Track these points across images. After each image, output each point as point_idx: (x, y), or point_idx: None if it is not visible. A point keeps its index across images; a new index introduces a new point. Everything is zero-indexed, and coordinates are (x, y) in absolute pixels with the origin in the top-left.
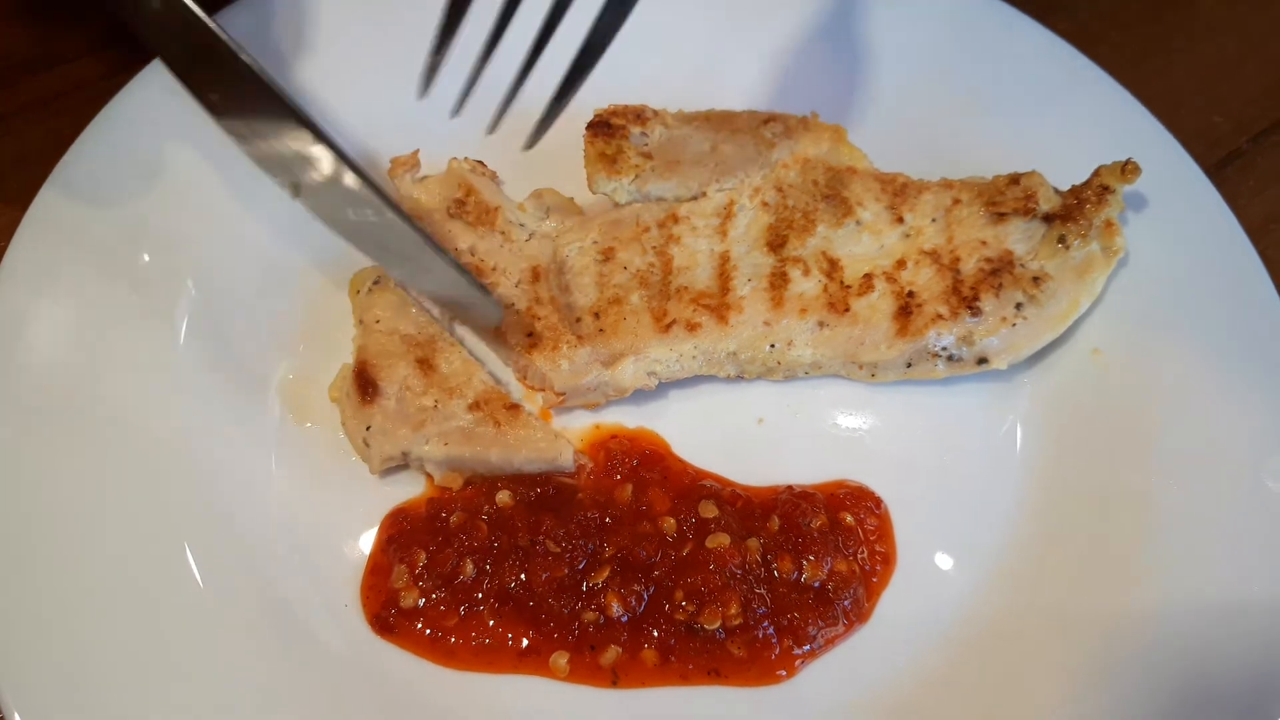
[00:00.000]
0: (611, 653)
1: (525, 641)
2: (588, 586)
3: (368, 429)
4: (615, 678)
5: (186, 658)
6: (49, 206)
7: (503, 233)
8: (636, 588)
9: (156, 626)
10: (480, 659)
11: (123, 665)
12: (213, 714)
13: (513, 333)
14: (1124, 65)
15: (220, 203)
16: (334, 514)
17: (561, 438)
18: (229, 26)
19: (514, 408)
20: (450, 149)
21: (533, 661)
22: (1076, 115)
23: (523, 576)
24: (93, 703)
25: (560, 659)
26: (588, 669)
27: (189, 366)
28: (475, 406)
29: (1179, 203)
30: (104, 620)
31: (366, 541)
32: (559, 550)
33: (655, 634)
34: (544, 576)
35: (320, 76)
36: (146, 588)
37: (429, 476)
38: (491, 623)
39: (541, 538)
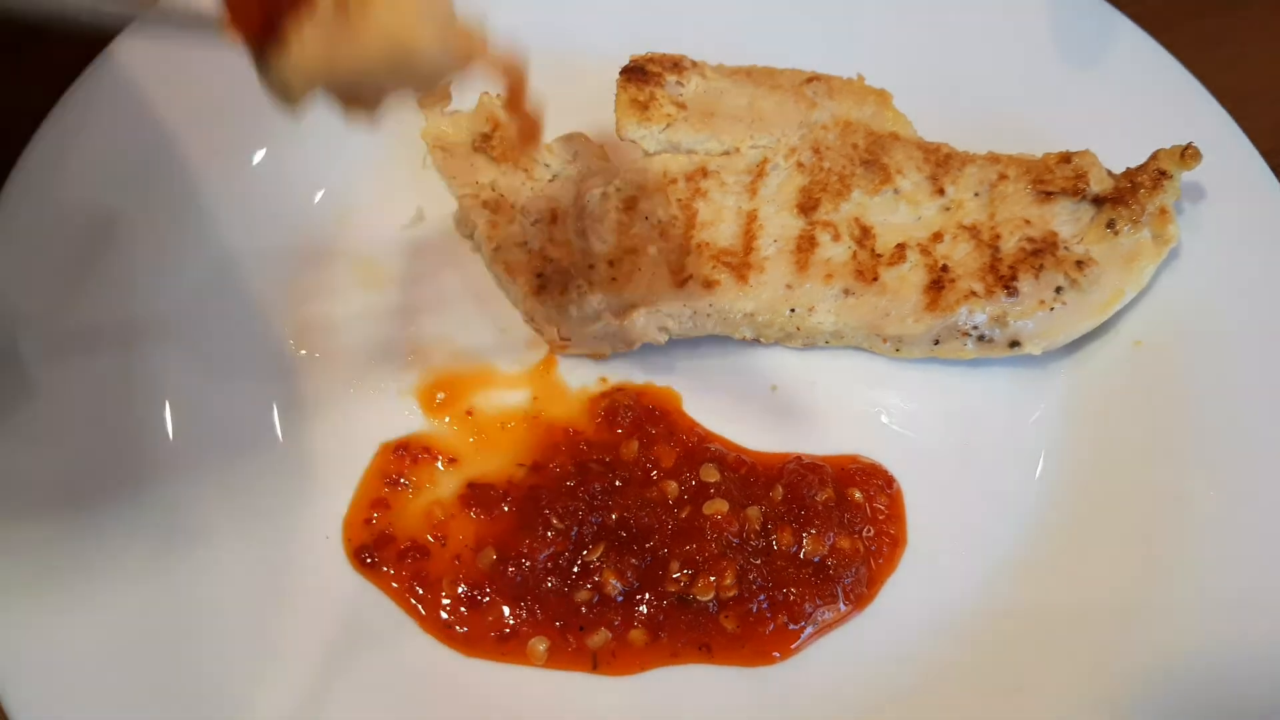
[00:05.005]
0: (600, 636)
1: (507, 613)
2: (581, 563)
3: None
4: (594, 663)
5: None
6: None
7: (526, 171)
8: (633, 561)
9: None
10: (455, 636)
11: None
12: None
13: (522, 273)
14: (1194, 53)
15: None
16: (327, 446)
17: None
18: None
19: None
20: (483, 84)
21: (511, 646)
22: (1137, 97)
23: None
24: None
25: (539, 644)
26: (569, 653)
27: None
28: None
29: (1238, 195)
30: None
31: (356, 474)
32: (563, 526)
33: (645, 611)
34: (545, 555)
35: None
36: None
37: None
38: (477, 595)
39: (544, 510)
